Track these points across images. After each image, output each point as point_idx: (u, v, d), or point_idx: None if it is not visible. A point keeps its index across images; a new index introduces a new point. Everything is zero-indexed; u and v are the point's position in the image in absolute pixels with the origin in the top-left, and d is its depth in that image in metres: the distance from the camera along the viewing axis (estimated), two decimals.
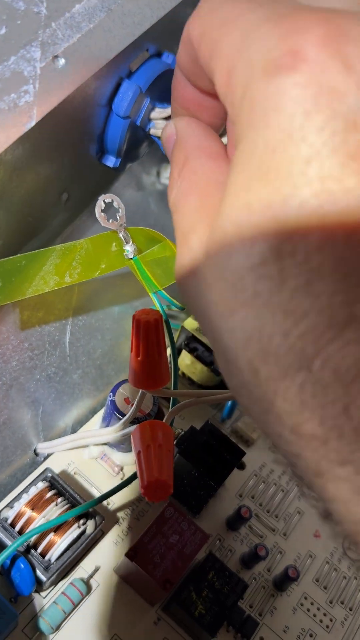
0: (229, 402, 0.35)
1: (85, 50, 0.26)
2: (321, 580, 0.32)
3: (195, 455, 0.30)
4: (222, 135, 0.18)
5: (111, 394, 0.31)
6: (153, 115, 0.31)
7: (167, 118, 0.31)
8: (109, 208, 0.29)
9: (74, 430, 0.34)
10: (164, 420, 0.28)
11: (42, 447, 0.32)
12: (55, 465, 0.31)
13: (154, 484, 0.24)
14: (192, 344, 0.35)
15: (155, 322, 0.26)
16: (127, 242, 0.30)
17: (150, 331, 0.26)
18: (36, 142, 0.25)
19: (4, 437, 0.31)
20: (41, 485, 0.29)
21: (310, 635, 0.30)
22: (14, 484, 0.31)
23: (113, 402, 0.31)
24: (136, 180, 0.37)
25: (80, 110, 0.27)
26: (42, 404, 0.33)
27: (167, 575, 0.27)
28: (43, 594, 0.28)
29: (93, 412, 0.35)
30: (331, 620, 0.31)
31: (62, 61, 0.25)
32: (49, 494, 0.28)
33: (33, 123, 0.24)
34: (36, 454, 0.33)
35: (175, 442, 0.34)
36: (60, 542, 0.27)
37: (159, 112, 0.31)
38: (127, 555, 0.27)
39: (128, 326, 0.37)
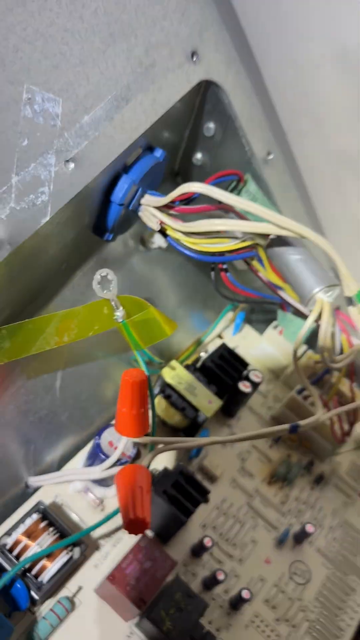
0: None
1: (92, 154, 0.31)
2: (270, 601, 0.37)
3: (167, 492, 0.35)
4: None
5: (97, 437, 0.36)
6: (143, 200, 0.36)
7: (157, 207, 0.36)
8: (104, 280, 0.34)
9: (60, 465, 0.39)
10: (143, 464, 0.33)
11: (33, 481, 0.37)
12: (44, 497, 0.36)
13: (134, 521, 0.29)
14: (167, 391, 0.40)
15: (142, 382, 0.32)
16: (117, 308, 0.35)
17: (136, 390, 0.32)
18: (48, 232, 0.30)
19: (1, 471, 0.36)
20: (35, 516, 0.33)
21: None
22: (7, 512, 0.36)
23: (99, 444, 0.36)
24: (123, 246, 0.42)
25: (84, 200, 0.32)
26: (34, 442, 0.38)
27: (142, 596, 0.32)
28: (33, 610, 0.33)
29: (77, 448, 0.40)
30: (277, 635, 0.37)
31: (72, 165, 0.30)
32: (42, 524, 0.33)
33: (47, 218, 0.29)
34: (27, 487, 0.37)
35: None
36: (52, 567, 0.32)
37: (147, 199, 0.36)
38: (108, 579, 0.32)
39: (111, 372, 0.42)
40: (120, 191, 0.34)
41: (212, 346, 0.47)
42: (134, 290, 0.37)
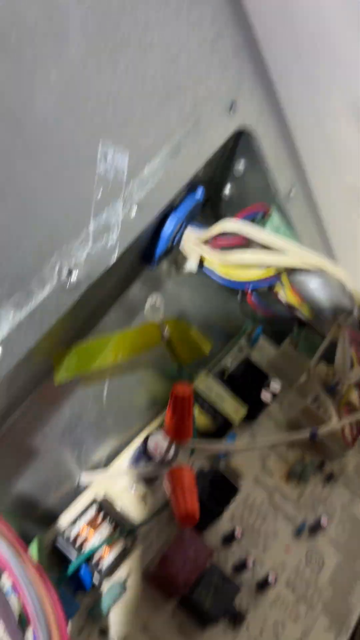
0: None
1: (150, 200, 0.36)
2: (290, 584, 0.43)
3: (205, 489, 0.40)
4: None
5: (144, 440, 0.41)
6: (185, 234, 0.41)
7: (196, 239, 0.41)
8: (154, 306, 0.39)
9: (106, 463, 0.44)
10: (187, 464, 0.39)
11: (85, 479, 0.42)
12: (95, 493, 0.41)
13: (186, 516, 0.35)
14: (200, 399, 0.45)
15: (190, 395, 0.37)
16: (163, 329, 0.40)
17: (185, 401, 0.37)
18: (114, 270, 0.35)
19: (58, 469, 0.41)
20: (95, 509, 0.38)
21: (282, 625, 0.41)
22: (62, 507, 0.41)
23: (146, 447, 0.41)
24: (157, 271, 0.47)
25: (140, 238, 0.37)
26: (85, 442, 0.43)
27: (186, 580, 0.37)
28: (93, 592, 0.38)
29: (118, 450, 0.45)
30: (297, 614, 0.42)
31: (135, 210, 0.35)
32: (100, 517, 0.38)
33: (115, 259, 0.34)
34: (78, 484, 0.42)
35: None
36: (109, 555, 0.37)
37: (188, 233, 0.41)
38: (158, 565, 0.37)
39: (146, 380, 0.47)
40: (170, 227, 0.39)
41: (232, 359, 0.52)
42: (165, 307, 0.42)
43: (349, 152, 0.46)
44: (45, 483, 0.41)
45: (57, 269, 0.32)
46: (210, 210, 0.49)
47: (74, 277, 0.32)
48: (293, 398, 0.53)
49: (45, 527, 0.40)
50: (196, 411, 0.46)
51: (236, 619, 0.40)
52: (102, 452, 0.44)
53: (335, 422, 0.43)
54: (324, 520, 0.44)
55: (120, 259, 0.36)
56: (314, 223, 0.50)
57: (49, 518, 0.40)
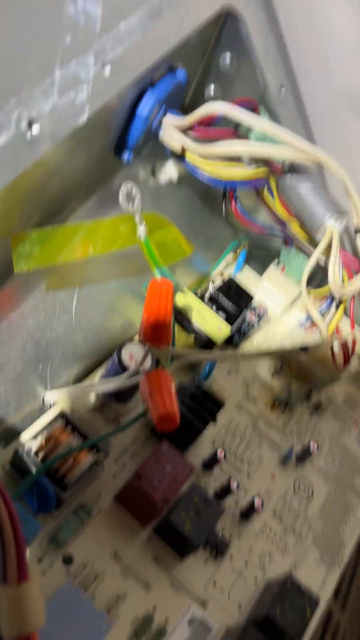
0: (207, 367, 0.41)
1: (126, 61, 0.32)
2: (277, 513, 0.39)
3: (185, 402, 0.36)
4: None
5: (117, 350, 0.37)
6: (164, 120, 0.37)
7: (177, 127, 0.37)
8: (129, 195, 0.35)
9: (74, 384, 0.39)
10: (168, 369, 0.34)
11: (50, 395, 0.37)
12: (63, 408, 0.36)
13: (165, 416, 0.30)
14: (179, 316, 0.41)
15: (169, 289, 0.33)
16: (140, 224, 0.36)
17: (163, 297, 0.33)
18: (82, 136, 0.31)
19: (19, 384, 0.36)
20: (60, 422, 0.34)
21: (269, 556, 0.37)
22: (25, 426, 0.36)
23: (119, 357, 0.36)
24: (135, 174, 0.43)
25: (114, 110, 0.33)
26: (51, 359, 0.38)
27: (165, 496, 0.33)
28: (57, 514, 0.33)
29: (89, 370, 0.40)
30: (285, 544, 0.38)
31: (109, 68, 0.31)
32: (67, 430, 0.34)
33: (85, 118, 0.30)
34: (43, 402, 0.37)
35: None
36: (78, 468, 0.33)
37: (169, 118, 0.37)
38: (134, 479, 0.33)
39: (121, 301, 0.42)
40: (147, 104, 0.35)
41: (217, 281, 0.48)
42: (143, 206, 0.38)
43: (340, 49, 0.43)
44: (5, 399, 0.36)
45: (14, 116, 0.27)
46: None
47: (35, 130, 0.28)
48: (278, 327, 0.49)
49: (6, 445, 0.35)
50: (176, 329, 0.41)
51: (218, 548, 0.36)
52: (70, 373, 0.40)
53: (326, 335, 0.40)
54: (313, 446, 0.40)
55: (95, 129, 0.32)
56: (303, 127, 0.46)
57: (11, 437, 0.36)
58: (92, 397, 0.38)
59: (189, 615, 0.33)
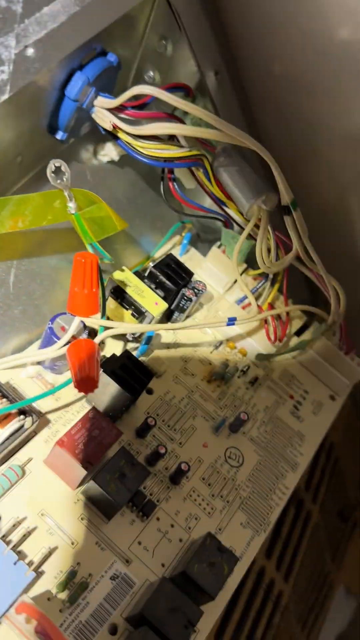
0: (144, 341, 0.43)
1: (49, 44, 0.33)
2: (206, 479, 0.41)
3: (115, 372, 0.38)
4: None
5: (50, 322, 0.38)
6: (96, 102, 0.39)
7: (107, 108, 0.39)
8: (57, 171, 0.36)
9: None
10: (94, 340, 0.36)
11: None
12: None
13: (84, 379, 0.32)
14: (117, 292, 0.43)
15: (93, 262, 0.34)
16: (70, 200, 0.37)
17: (87, 269, 0.34)
18: (5, 112, 0.32)
19: None
20: None
21: (195, 519, 0.39)
22: None
23: (51, 329, 0.38)
24: (75, 155, 0.44)
25: (40, 90, 0.35)
26: None
27: (89, 459, 0.35)
28: None
29: (29, 343, 0.42)
30: (212, 508, 0.40)
31: (31, 51, 0.32)
32: None
33: (6, 97, 0.31)
34: None
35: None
36: (3, 431, 0.34)
37: (100, 100, 0.39)
38: (58, 443, 0.35)
39: (62, 275, 0.44)
40: (75, 86, 0.36)
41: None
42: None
43: (277, 34, 0.44)
44: None
45: None
46: None
47: None
48: (220, 306, 0.51)
49: None
50: (112, 304, 0.43)
51: (145, 509, 0.37)
52: (7, 346, 0.41)
53: (254, 312, 0.41)
54: (243, 416, 0.42)
55: (20, 108, 0.33)
56: (242, 113, 0.47)
57: None
58: (29, 368, 0.40)
59: (111, 572, 0.35)
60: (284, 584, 0.54)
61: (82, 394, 0.40)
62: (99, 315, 0.38)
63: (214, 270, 0.51)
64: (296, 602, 0.57)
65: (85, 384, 0.32)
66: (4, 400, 0.36)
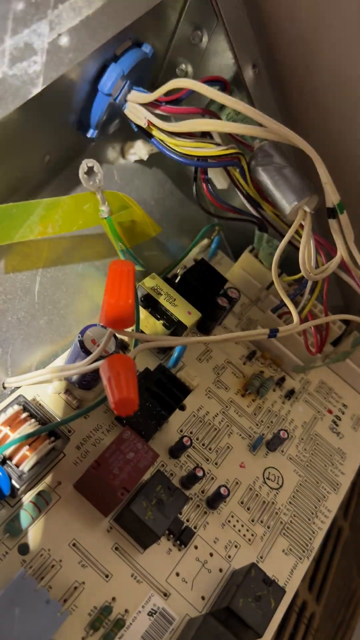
0: (175, 354, 0.40)
1: (84, 33, 0.30)
2: (245, 503, 0.38)
3: (149, 389, 0.35)
4: None
5: (80, 335, 0.35)
6: (130, 97, 0.36)
7: (142, 104, 0.36)
8: (89, 172, 0.33)
9: (38, 369, 0.38)
10: (129, 355, 0.33)
11: (11, 381, 0.36)
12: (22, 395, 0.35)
13: (123, 400, 0.29)
14: (147, 301, 0.40)
15: (130, 271, 0.31)
16: (103, 203, 0.34)
17: (124, 279, 0.31)
18: (36, 108, 0.30)
19: None
20: (16, 407, 0.33)
21: (235, 546, 0.36)
22: None
23: (81, 342, 0.35)
24: (103, 154, 0.41)
25: (72, 84, 0.32)
26: (12, 343, 0.37)
27: (124, 484, 0.32)
28: (12, 502, 0.32)
29: (55, 355, 0.39)
30: (253, 535, 0.37)
31: (65, 40, 0.30)
32: (23, 415, 0.33)
33: (39, 90, 0.29)
34: (4, 387, 0.36)
35: None
36: (33, 456, 0.32)
37: (134, 94, 0.36)
38: (92, 467, 0.32)
39: (88, 283, 0.41)
40: (109, 79, 0.33)
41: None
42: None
43: (325, 34, 0.41)
44: None
45: None
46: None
47: None
48: (252, 314, 0.48)
49: None
50: (143, 314, 0.40)
51: (182, 538, 0.35)
52: (33, 357, 0.38)
53: (297, 323, 0.38)
54: (283, 434, 0.39)
55: (50, 104, 0.31)
56: (278, 108, 0.45)
57: None
58: (56, 383, 0.37)
59: (149, 606, 0.32)
60: (315, 606, 0.52)
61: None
62: (132, 327, 0.35)
63: (245, 276, 0.48)
64: (325, 621, 0.54)
65: (125, 406, 0.29)
66: (33, 420, 0.33)
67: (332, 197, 0.37)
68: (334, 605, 0.57)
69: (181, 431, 0.39)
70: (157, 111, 0.36)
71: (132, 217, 0.36)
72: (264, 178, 0.40)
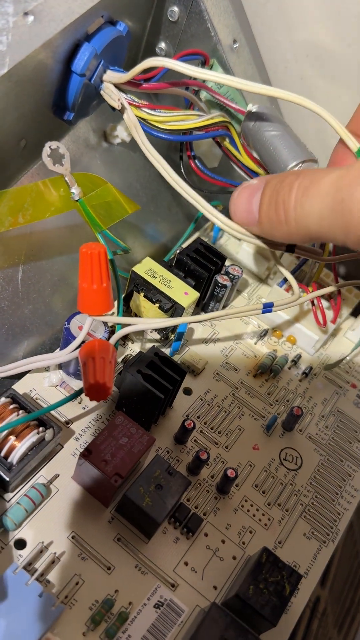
0: (176, 337, 0.38)
1: (51, 10, 0.30)
2: (260, 486, 0.36)
3: (141, 372, 0.34)
4: None
5: (66, 322, 0.35)
6: (105, 77, 0.35)
7: (118, 84, 0.35)
8: (55, 154, 0.32)
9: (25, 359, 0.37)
10: (110, 341, 0.32)
11: None
12: (18, 390, 0.35)
13: (94, 386, 0.28)
14: (141, 285, 0.39)
15: (99, 254, 0.30)
16: (72, 185, 0.33)
17: (95, 262, 0.30)
18: (4, 89, 0.29)
19: None
20: (4, 399, 0.32)
21: (250, 532, 0.34)
22: None
23: (68, 329, 0.34)
24: (85, 137, 0.41)
25: (43, 64, 0.31)
26: None
27: (117, 470, 0.30)
28: (6, 496, 0.31)
29: (42, 345, 0.38)
30: (269, 519, 0.35)
31: (31, 18, 0.29)
32: (11, 407, 0.32)
33: (5, 71, 0.28)
34: None
35: (125, 363, 0.38)
36: (21, 446, 0.31)
37: (109, 75, 0.35)
38: (82, 454, 0.31)
39: (73, 270, 0.40)
40: (82, 59, 0.32)
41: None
42: None
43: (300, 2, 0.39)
44: None
45: None
46: None
47: None
48: (262, 292, 0.46)
49: None
50: (138, 299, 0.39)
51: (189, 525, 0.33)
52: (19, 347, 0.37)
53: (297, 296, 0.36)
54: (297, 410, 0.37)
55: (21, 84, 0.30)
56: (260, 82, 0.43)
57: None
58: (52, 376, 0.36)
59: (155, 599, 0.31)
60: (320, 590, 0.48)
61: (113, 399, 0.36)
62: (114, 311, 0.34)
63: (252, 253, 0.46)
64: (332, 604, 0.51)
65: (97, 391, 0.28)
66: (22, 411, 0.32)
67: (351, 144, 0.34)
68: (341, 588, 0.53)
69: (187, 416, 0.37)
70: (134, 90, 0.35)
71: (105, 197, 0.35)
72: (257, 145, 0.38)
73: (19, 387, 0.35)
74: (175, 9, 0.40)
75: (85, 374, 0.29)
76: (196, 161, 0.41)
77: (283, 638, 0.31)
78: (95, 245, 0.31)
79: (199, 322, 0.41)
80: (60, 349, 0.36)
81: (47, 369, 0.36)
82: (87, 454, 0.31)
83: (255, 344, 0.42)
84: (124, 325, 0.34)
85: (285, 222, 0.27)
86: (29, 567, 0.30)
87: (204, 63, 0.40)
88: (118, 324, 0.34)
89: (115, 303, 0.35)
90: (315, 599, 0.44)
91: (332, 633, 0.49)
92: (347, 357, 0.42)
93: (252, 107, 0.37)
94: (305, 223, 0.26)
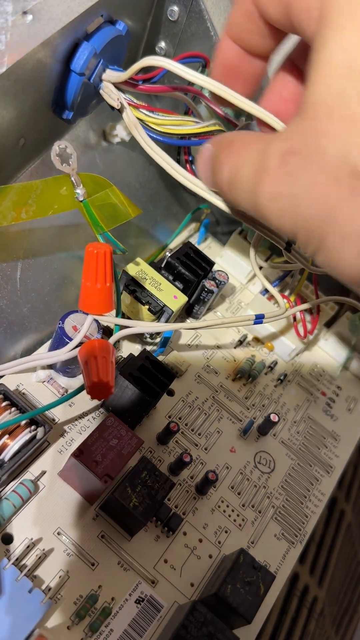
0: (162, 340, 0.39)
1: (50, 9, 0.30)
2: (235, 487, 0.38)
3: (133, 375, 0.34)
4: None
5: (60, 322, 0.35)
6: (104, 76, 0.35)
7: (116, 83, 0.35)
8: (62, 154, 0.32)
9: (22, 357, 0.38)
10: (109, 340, 0.33)
11: None
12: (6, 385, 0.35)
13: (97, 385, 0.29)
14: (132, 286, 0.39)
15: (106, 254, 0.31)
16: (77, 185, 0.34)
17: (100, 261, 0.31)
18: (4, 88, 0.29)
19: None
20: None
21: (225, 532, 0.36)
22: None
23: (62, 328, 0.35)
24: (84, 137, 0.41)
25: (42, 63, 0.31)
26: None
27: (107, 471, 0.31)
28: None
29: (40, 343, 0.39)
30: (243, 520, 0.37)
31: (30, 17, 0.29)
32: (3, 404, 0.32)
33: (4, 69, 0.28)
34: None
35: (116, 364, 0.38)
36: (13, 444, 0.31)
37: (109, 74, 0.35)
38: (73, 454, 0.31)
39: (72, 270, 0.40)
40: (81, 58, 0.32)
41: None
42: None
43: None
44: None
45: None
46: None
47: None
48: (243, 297, 0.47)
49: None
50: (127, 299, 0.39)
51: (170, 524, 0.34)
52: (17, 346, 0.38)
53: (283, 309, 0.38)
54: (274, 417, 0.39)
55: (20, 83, 0.30)
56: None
57: None
58: (40, 372, 0.36)
59: (136, 594, 0.32)
60: (318, 589, 0.51)
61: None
62: (113, 312, 0.34)
63: (235, 259, 0.47)
64: (330, 605, 0.54)
65: (99, 390, 0.29)
66: (14, 409, 0.32)
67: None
68: (338, 589, 0.56)
69: (169, 417, 0.38)
70: (133, 90, 0.35)
71: (109, 199, 0.35)
72: None
73: (6, 383, 0.35)
74: (175, 8, 0.40)
75: (87, 373, 0.29)
76: (193, 166, 0.41)
77: (254, 632, 0.33)
78: (102, 245, 0.31)
79: (195, 329, 0.42)
80: (51, 348, 0.36)
81: None
82: (78, 454, 0.31)
83: (235, 348, 0.44)
84: (122, 327, 0.34)
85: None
86: (17, 563, 0.30)
87: (205, 66, 0.40)
88: (117, 325, 0.34)
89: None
90: (313, 599, 0.47)
91: (330, 633, 0.52)
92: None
93: (242, 124, 0.38)
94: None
